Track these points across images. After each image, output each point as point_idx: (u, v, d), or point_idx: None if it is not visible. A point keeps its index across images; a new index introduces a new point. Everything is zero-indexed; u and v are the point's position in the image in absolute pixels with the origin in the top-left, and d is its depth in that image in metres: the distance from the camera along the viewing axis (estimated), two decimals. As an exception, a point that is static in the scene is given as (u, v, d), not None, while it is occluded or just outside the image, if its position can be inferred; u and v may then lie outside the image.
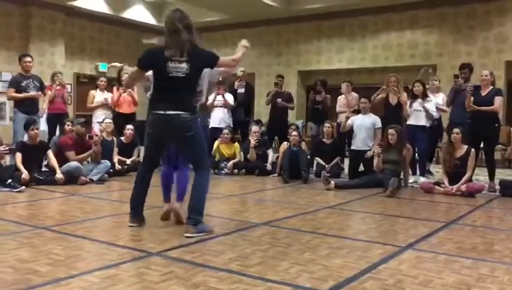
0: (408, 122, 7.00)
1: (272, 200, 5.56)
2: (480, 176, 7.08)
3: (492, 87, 6.46)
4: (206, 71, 3.93)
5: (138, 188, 3.84)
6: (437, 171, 7.90)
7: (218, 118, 8.35)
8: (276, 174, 7.37)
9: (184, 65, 3.53)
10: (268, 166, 7.60)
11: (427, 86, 7.29)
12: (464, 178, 5.86)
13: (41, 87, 7.42)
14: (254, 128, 7.86)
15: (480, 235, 3.80)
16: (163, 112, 3.56)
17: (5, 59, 11.61)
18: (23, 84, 7.15)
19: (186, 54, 3.53)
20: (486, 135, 6.36)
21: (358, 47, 12.72)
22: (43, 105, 7.67)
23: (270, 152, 7.90)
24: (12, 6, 11.90)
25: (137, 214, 3.84)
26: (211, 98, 8.43)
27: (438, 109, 7.34)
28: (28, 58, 7.33)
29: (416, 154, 7.14)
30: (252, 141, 7.63)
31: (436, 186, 6.00)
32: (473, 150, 5.98)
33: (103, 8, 13.21)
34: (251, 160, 7.69)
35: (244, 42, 3.91)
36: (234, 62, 3.89)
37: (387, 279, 2.66)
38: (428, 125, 7.05)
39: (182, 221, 3.86)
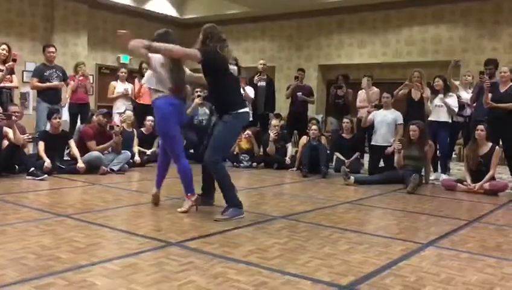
0: (429, 119, 6.89)
1: (291, 194, 5.54)
2: (504, 175, 6.94)
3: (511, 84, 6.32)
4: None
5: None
6: (459, 169, 7.78)
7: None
8: (295, 168, 7.34)
9: None
10: (287, 160, 7.58)
11: (457, 82, 7.14)
12: (487, 176, 5.74)
13: (64, 78, 7.51)
14: (274, 122, 7.83)
15: (503, 234, 3.73)
16: None
17: (29, 49, 11.79)
18: (46, 74, 7.24)
19: None
20: (505, 132, 6.22)
21: (380, 41, 12.56)
22: (66, 95, 7.77)
23: (290, 146, 7.87)
24: (37, -3, 12.07)
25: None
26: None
27: (467, 105, 7.20)
28: (52, 49, 7.43)
29: (438, 151, 7.04)
30: (272, 134, 7.61)
31: (459, 184, 5.90)
32: (497, 147, 5.86)
33: (125, 0, 13.31)
34: (270, 154, 7.68)
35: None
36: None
37: (408, 276, 2.62)
38: (450, 121, 6.93)
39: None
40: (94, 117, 6.93)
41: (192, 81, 4.59)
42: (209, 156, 3.91)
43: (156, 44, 3.83)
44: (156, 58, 4.02)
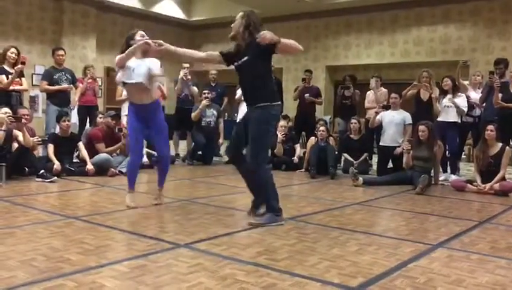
0: (438, 119, 6.85)
1: (299, 195, 5.52)
2: (514, 175, 6.88)
3: (521, 83, 6.28)
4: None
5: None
6: (468, 169, 7.72)
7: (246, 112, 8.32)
8: (303, 170, 7.33)
9: None
10: (296, 160, 7.57)
11: (466, 82, 7.10)
12: (497, 176, 5.69)
13: (73, 80, 7.56)
14: (281, 123, 7.82)
15: (514, 235, 3.69)
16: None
17: (38, 52, 11.88)
18: (55, 76, 7.29)
19: None
20: None
21: (388, 42, 12.52)
22: (75, 98, 7.82)
23: (298, 147, 7.86)
24: (46, 0, 12.16)
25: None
26: (238, 92, 8.44)
27: (477, 105, 7.14)
28: (61, 52, 7.48)
29: (447, 152, 6.99)
30: (280, 135, 7.60)
31: (468, 185, 5.85)
32: (507, 147, 5.81)
33: (133, 3, 13.37)
34: (278, 155, 7.66)
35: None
36: None
37: (418, 277, 2.60)
38: (459, 121, 6.88)
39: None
40: (101, 119, 6.97)
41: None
42: (250, 160, 3.92)
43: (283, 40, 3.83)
44: None
